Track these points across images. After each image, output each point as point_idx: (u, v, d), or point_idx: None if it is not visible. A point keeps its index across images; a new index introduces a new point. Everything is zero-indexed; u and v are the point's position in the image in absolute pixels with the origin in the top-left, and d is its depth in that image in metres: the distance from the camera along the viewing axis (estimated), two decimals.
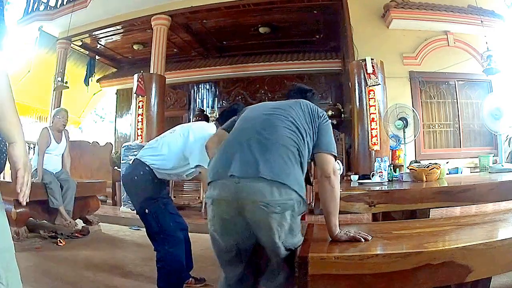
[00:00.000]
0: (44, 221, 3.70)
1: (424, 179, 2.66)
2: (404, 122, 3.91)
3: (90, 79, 8.64)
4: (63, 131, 3.83)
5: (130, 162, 2.31)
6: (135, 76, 5.99)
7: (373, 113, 4.87)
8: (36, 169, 3.55)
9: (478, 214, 1.89)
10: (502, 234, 1.42)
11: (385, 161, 2.98)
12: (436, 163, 2.77)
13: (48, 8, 7.17)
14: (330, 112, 6.46)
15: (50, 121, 3.95)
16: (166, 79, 6.41)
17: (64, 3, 6.94)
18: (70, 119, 4.26)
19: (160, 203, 2.11)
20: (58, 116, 3.76)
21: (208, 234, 1.39)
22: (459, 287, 1.38)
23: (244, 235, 1.30)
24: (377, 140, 4.80)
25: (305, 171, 1.37)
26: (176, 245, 2.09)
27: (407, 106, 4.96)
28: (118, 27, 7.01)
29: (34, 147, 4.90)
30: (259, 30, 7.15)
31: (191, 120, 8.08)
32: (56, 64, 7.23)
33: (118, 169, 6.00)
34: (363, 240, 1.28)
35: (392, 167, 3.17)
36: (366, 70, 4.85)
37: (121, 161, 5.56)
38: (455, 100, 5.65)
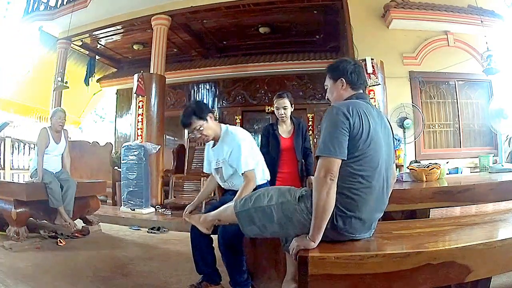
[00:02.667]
0: (44, 221, 3.70)
1: (424, 179, 2.67)
2: (411, 121, 3.96)
3: (90, 79, 8.62)
4: (62, 131, 3.83)
5: None
6: (135, 76, 5.99)
7: None
8: (36, 169, 3.55)
9: (478, 214, 1.89)
10: (502, 234, 1.42)
11: None
12: (436, 163, 2.77)
13: (48, 8, 7.15)
14: None
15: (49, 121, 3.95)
16: (166, 79, 6.41)
17: (64, 3, 6.92)
18: (70, 119, 4.27)
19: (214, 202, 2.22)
20: (55, 117, 3.75)
21: None
22: (459, 287, 1.38)
23: None
24: None
25: None
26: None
27: (414, 105, 4.97)
28: (118, 27, 6.99)
29: (34, 147, 4.91)
30: (259, 30, 7.14)
31: None
32: (56, 64, 7.22)
33: (118, 169, 6.00)
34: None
35: None
36: (366, 70, 4.84)
37: (121, 161, 5.55)
38: (455, 100, 5.65)
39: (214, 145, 2.17)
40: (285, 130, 2.80)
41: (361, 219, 1.34)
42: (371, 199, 1.34)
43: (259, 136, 8.75)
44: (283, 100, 2.71)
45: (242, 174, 2.05)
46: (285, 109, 2.71)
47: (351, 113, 1.34)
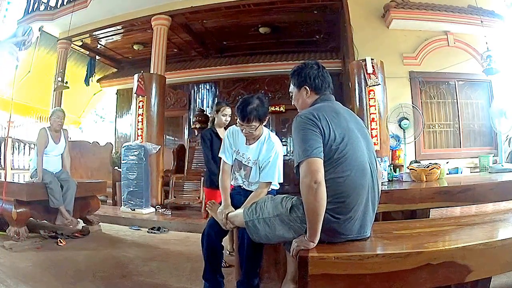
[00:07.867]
0: (45, 221, 3.70)
1: (424, 179, 2.67)
2: (409, 121, 3.95)
3: (90, 79, 8.64)
4: (62, 131, 3.83)
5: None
6: (135, 76, 5.99)
7: (373, 113, 4.87)
8: (36, 169, 3.55)
9: (478, 214, 1.89)
10: (502, 234, 1.42)
11: (385, 161, 2.98)
12: (436, 163, 2.77)
13: (49, 8, 7.16)
14: None
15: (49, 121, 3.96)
16: (166, 79, 6.41)
17: (65, 3, 6.93)
18: (70, 119, 4.26)
19: None
20: (54, 117, 3.76)
21: None
22: (459, 287, 1.38)
23: None
24: (377, 140, 4.80)
25: None
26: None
27: (413, 105, 4.96)
28: (118, 27, 7.00)
29: (34, 147, 4.91)
30: (259, 30, 7.15)
31: (191, 120, 8.07)
32: (57, 64, 7.23)
33: (118, 169, 6.00)
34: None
35: (392, 167, 3.18)
36: (366, 70, 4.85)
37: (121, 161, 5.55)
38: (455, 100, 5.65)
39: (248, 142, 2.19)
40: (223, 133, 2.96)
41: (356, 220, 1.34)
42: (362, 197, 1.35)
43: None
44: (230, 108, 2.97)
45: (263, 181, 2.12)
46: (229, 117, 2.96)
47: (318, 118, 1.34)
